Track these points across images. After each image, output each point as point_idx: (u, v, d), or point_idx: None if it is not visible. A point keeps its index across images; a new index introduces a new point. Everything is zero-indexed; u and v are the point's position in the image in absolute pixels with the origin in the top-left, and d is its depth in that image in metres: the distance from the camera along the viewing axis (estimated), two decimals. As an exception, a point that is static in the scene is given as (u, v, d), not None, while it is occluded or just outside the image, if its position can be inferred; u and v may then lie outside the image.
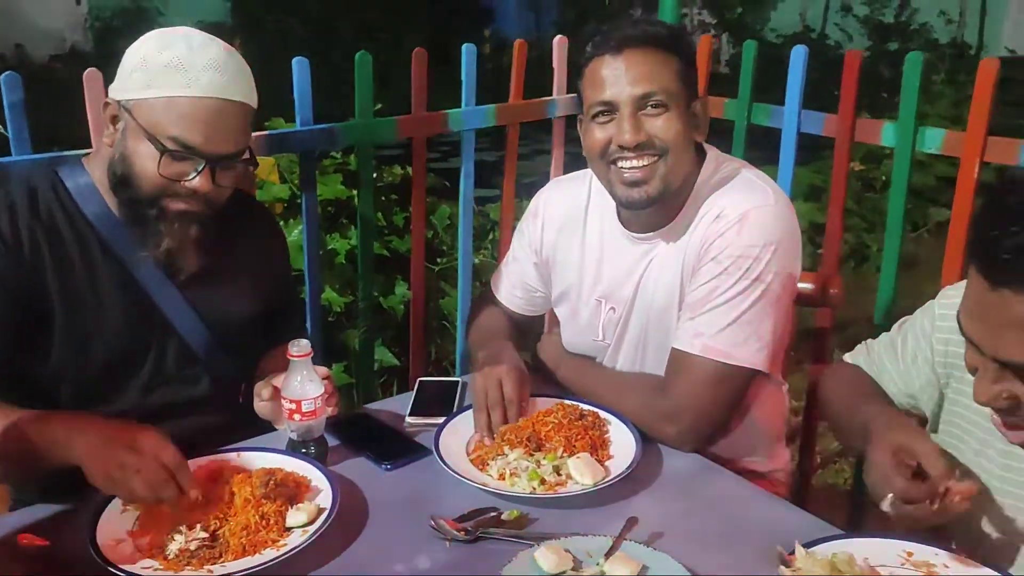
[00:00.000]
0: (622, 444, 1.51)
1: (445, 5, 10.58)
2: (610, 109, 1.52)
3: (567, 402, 1.59)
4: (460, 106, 2.57)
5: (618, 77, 1.50)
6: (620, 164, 1.54)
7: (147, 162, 1.43)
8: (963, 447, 1.30)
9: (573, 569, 1.22)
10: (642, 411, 1.55)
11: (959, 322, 1.07)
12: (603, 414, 1.58)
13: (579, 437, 1.49)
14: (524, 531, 1.32)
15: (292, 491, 1.35)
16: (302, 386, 1.44)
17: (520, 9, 11.25)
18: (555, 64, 2.75)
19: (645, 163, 1.52)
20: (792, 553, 1.22)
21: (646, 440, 1.53)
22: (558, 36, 2.75)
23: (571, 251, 1.72)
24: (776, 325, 1.53)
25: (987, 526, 1.28)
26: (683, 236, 1.57)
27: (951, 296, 1.32)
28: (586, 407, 1.59)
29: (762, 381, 1.68)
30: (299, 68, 2.24)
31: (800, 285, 1.90)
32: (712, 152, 1.62)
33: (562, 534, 1.28)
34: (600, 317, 1.69)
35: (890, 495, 1.15)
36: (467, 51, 2.55)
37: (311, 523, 1.30)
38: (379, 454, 1.51)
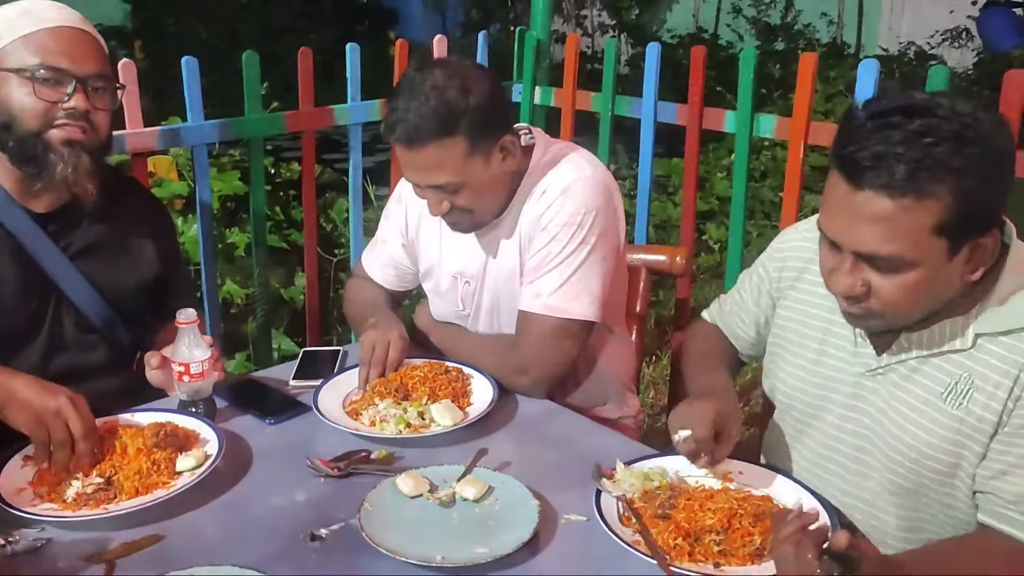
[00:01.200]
0: (482, 394, 1.72)
1: (350, 8, 10.67)
2: (416, 185, 1.71)
3: (433, 360, 1.79)
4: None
5: (412, 168, 1.66)
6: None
7: (23, 98, 1.57)
8: (783, 352, 1.51)
9: (429, 491, 1.42)
10: (498, 367, 1.76)
11: (820, 227, 1.26)
12: (466, 370, 1.78)
13: (442, 388, 1.69)
14: (391, 467, 1.51)
15: (181, 441, 1.51)
16: (189, 351, 1.60)
17: (426, 11, 11.39)
18: (436, 62, 2.95)
19: (455, 220, 1.74)
20: (614, 469, 1.44)
21: (505, 391, 1.75)
22: (438, 36, 2.96)
23: (431, 233, 1.91)
24: (605, 280, 1.75)
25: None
26: (519, 214, 1.77)
27: (787, 234, 1.56)
28: (451, 364, 1.79)
29: (607, 336, 1.91)
30: (188, 67, 2.39)
31: (656, 257, 2.17)
32: (541, 139, 1.81)
33: (424, 467, 1.48)
34: (458, 290, 1.89)
35: (686, 433, 1.37)
36: (351, 50, 2.74)
37: (199, 467, 1.46)
38: (263, 411, 1.68)
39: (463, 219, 1.75)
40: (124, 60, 2.26)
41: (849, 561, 1.05)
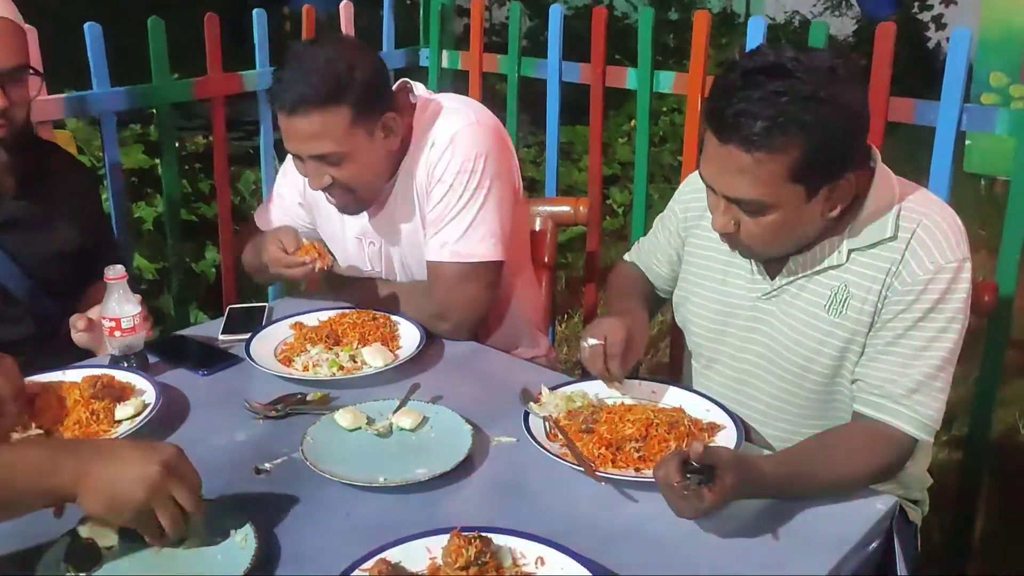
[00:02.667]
0: (410, 338, 1.79)
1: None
2: (298, 156, 1.72)
3: (363, 310, 1.86)
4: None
5: (294, 135, 1.67)
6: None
7: None
8: (690, 284, 1.64)
9: (367, 424, 1.49)
10: (419, 315, 1.84)
11: (700, 173, 1.40)
12: (393, 317, 1.86)
13: (371, 333, 1.77)
14: (327, 406, 1.58)
15: (118, 392, 1.54)
16: (120, 306, 1.63)
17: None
18: (343, 29, 2.98)
19: (341, 201, 1.77)
20: (540, 394, 1.55)
21: (432, 334, 1.83)
22: (344, 2, 2.99)
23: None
24: (504, 219, 1.83)
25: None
26: (411, 169, 1.82)
27: (692, 177, 1.68)
28: (379, 312, 1.86)
29: (515, 279, 2.02)
30: (91, 33, 2.36)
31: (560, 208, 2.28)
32: (422, 97, 1.84)
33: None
34: (365, 251, 1.95)
35: (594, 341, 1.50)
36: (258, 15, 2.75)
37: (138, 416, 1.49)
38: (196, 364, 1.72)
39: (348, 199, 1.79)
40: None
41: (708, 469, 1.19)
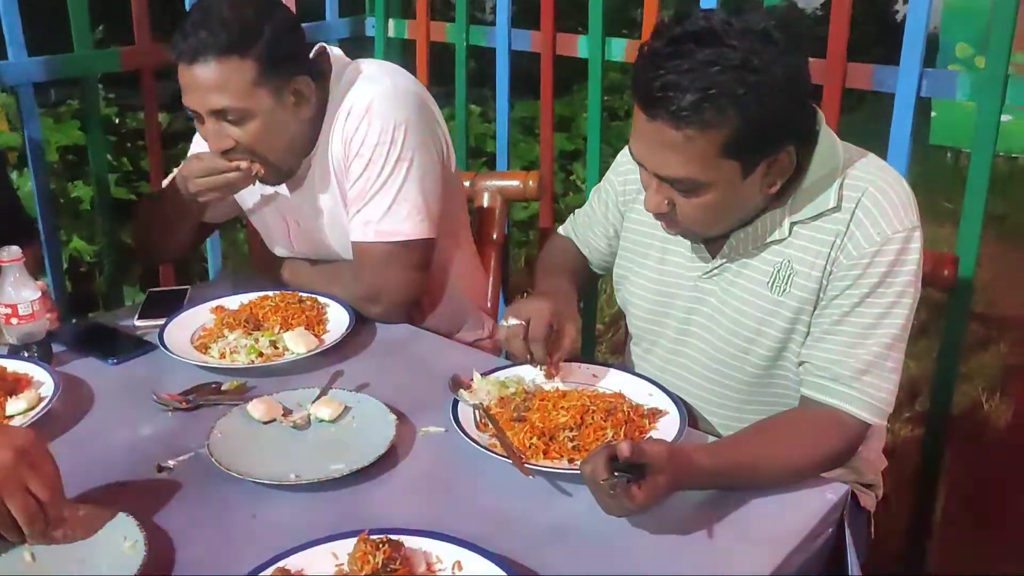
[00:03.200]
0: (338, 321, 1.68)
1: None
2: (198, 115, 1.59)
3: (287, 292, 1.74)
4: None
5: (193, 88, 1.54)
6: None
7: None
8: (629, 263, 1.54)
9: (283, 415, 1.38)
10: (349, 297, 1.72)
11: (631, 150, 1.30)
12: (322, 299, 1.74)
13: (295, 316, 1.65)
14: (244, 396, 1.46)
15: (10, 385, 1.42)
16: (16, 291, 1.50)
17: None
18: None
19: (244, 163, 1.63)
20: (471, 379, 1.44)
21: (364, 317, 1.72)
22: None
23: None
24: (431, 192, 1.70)
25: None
26: (328, 143, 1.69)
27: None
28: (305, 294, 1.74)
29: (453, 256, 1.90)
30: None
31: (509, 183, 2.17)
32: (339, 63, 1.70)
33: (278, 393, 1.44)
34: (288, 231, 1.82)
35: (513, 321, 1.39)
36: (188, -19, 2.58)
37: (32, 410, 1.37)
38: (105, 352, 1.59)
39: (267, 172, 1.65)
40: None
41: (639, 467, 1.10)
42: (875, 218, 1.27)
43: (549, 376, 1.44)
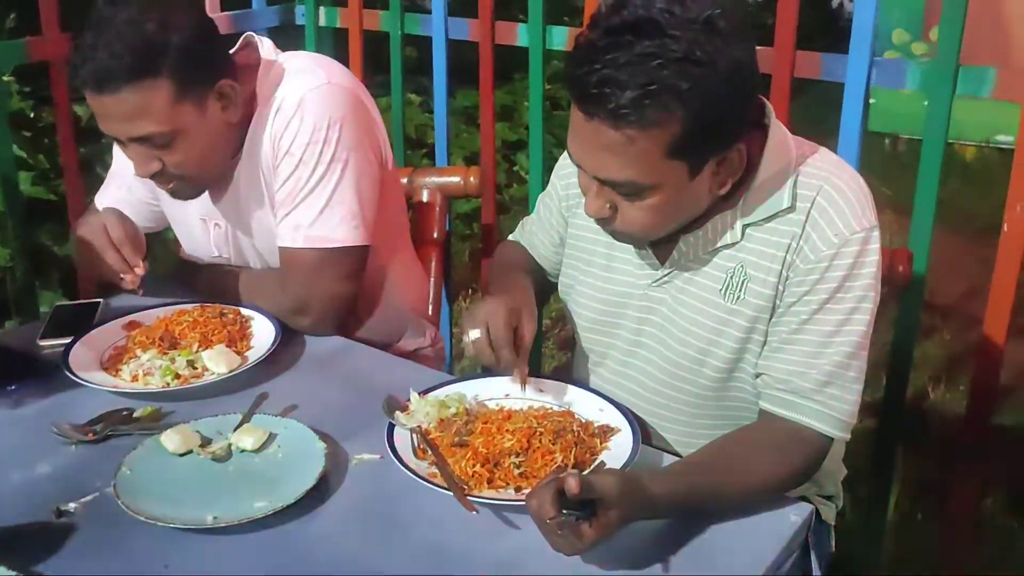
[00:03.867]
0: (263, 335, 1.55)
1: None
2: (119, 140, 1.47)
3: (207, 304, 1.61)
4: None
5: (107, 118, 1.42)
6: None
7: None
8: (575, 271, 1.44)
9: (201, 446, 1.25)
10: (273, 309, 1.59)
11: (568, 151, 1.20)
12: (245, 311, 1.61)
13: (215, 332, 1.52)
14: (158, 424, 1.33)
15: None
16: None
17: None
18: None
19: (172, 185, 1.51)
20: (409, 400, 1.33)
21: (291, 329, 1.59)
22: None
23: None
24: (367, 197, 1.58)
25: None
26: (256, 141, 1.57)
27: None
28: (228, 306, 1.61)
29: (390, 262, 1.78)
30: None
31: (449, 179, 2.06)
32: (268, 55, 1.58)
33: (196, 420, 1.31)
34: (210, 235, 1.69)
35: (476, 334, 1.27)
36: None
37: (-86, 449, 1.23)
38: (1, 377, 1.44)
39: (182, 186, 1.53)
40: None
41: (588, 504, 1.01)
42: (831, 218, 1.19)
43: (523, 382, 1.32)
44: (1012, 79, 1.81)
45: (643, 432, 1.37)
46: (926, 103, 1.88)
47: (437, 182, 2.05)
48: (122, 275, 1.50)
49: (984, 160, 5.57)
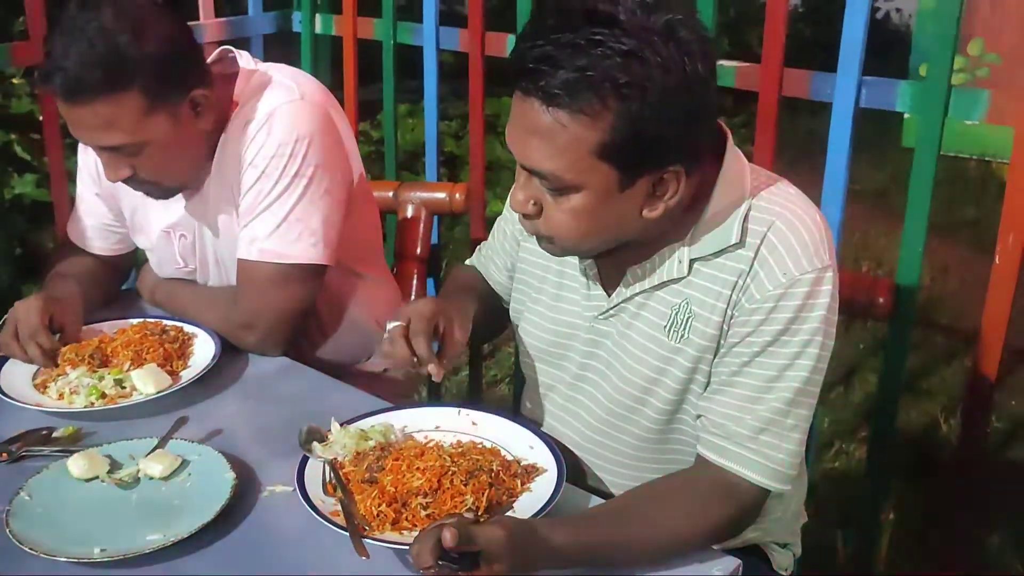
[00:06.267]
0: (204, 354, 1.51)
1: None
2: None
3: (150, 320, 1.57)
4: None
5: (78, 126, 1.40)
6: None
7: None
8: (524, 297, 1.37)
9: (109, 472, 1.21)
10: (221, 324, 1.56)
11: (506, 138, 1.13)
12: (189, 328, 1.57)
13: (151, 350, 1.48)
14: (77, 445, 1.30)
15: None
16: None
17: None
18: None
19: (144, 188, 1.50)
20: (329, 430, 1.28)
21: (236, 348, 1.55)
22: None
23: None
24: (330, 217, 1.55)
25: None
26: (226, 152, 1.54)
27: None
28: (171, 322, 1.58)
29: (357, 282, 1.73)
30: None
31: (434, 195, 2.01)
32: (245, 68, 1.56)
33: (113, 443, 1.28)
34: (175, 245, 1.66)
35: (393, 324, 1.18)
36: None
37: None
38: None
39: (153, 189, 1.52)
40: None
41: (469, 556, 0.95)
42: (781, 256, 1.11)
43: (438, 376, 1.19)
44: (1005, 103, 1.71)
45: (579, 470, 1.31)
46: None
47: (422, 197, 2.01)
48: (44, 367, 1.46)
49: (987, 178, 5.37)
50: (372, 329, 1.79)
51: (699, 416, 1.18)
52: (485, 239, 1.49)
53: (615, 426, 1.26)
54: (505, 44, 2.42)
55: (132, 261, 1.82)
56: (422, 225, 2.02)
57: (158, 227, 1.66)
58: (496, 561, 0.95)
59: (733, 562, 1.10)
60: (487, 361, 3.22)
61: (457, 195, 2.00)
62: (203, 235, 1.63)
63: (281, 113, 1.49)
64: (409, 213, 2.02)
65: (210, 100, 1.49)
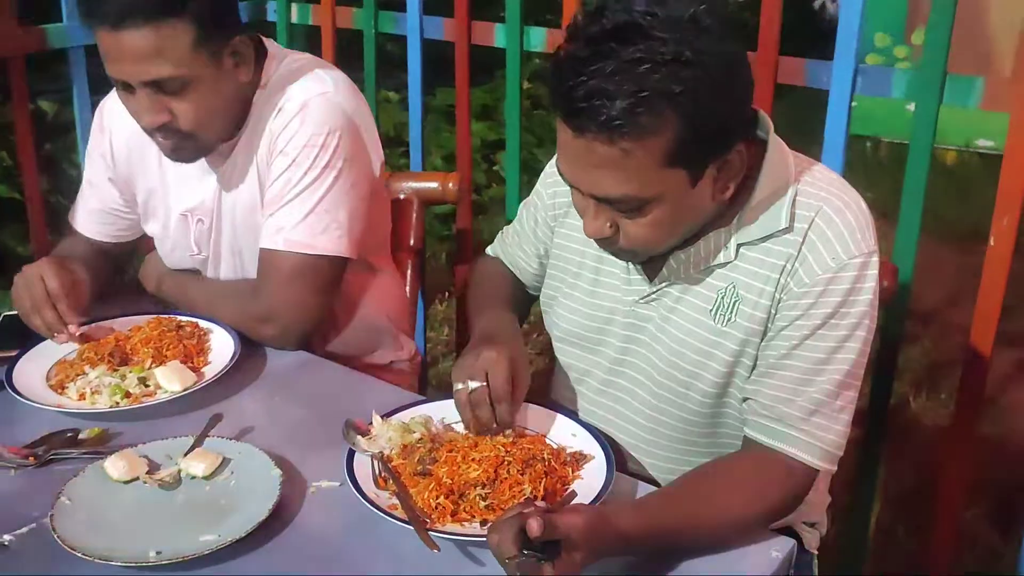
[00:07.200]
0: (222, 350, 1.48)
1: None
2: (127, 86, 1.40)
3: (164, 316, 1.53)
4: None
5: (121, 57, 1.35)
6: (151, 135, 1.46)
7: None
8: (560, 283, 1.37)
9: (148, 472, 1.18)
10: (239, 317, 1.52)
11: (559, 170, 1.14)
12: (204, 323, 1.53)
13: (170, 347, 1.44)
14: (106, 446, 1.26)
15: None
16: None
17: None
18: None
19: (174, 141, 1.45)
20: (371, 423, 1.26)
21: (252, 344, 1.52)
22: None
23: (148, 163, 1.62)
24: (355, 211, 1.54)
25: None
26: (255, 136, 1.53)
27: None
28: (185, 318, 1.53)
29: (366, 274, 1.71)
30: None
31: (426, 184, 1.99)
32: (274, 48, 1.56)
33: (146, 443, 1.24)
34: (191, 231, 1.62)
35: (475, 384, 1.20)
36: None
37: None
38: (-60, 394, 1.36)
39: (185, 144, 1.47)
40: None
41: (552, 543, 0.95)
42: (830, 242, 1.13)
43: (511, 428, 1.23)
44: (1000, 89, 1.76)
45: (620, 456, 1.32)
46: (909, 107, 1.83)
47: (414, 187, 1.98)
48: (55, 334, 1.43)
49: (965, 165, 5.56)
50: (381, 323, 1.77)
51: (746, 399, 1.19)
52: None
53: (660, 409, 1.27)
54: (492, 33, 2.40)
55: (131, 253, 1.78)
56: (415, 216, 2.00)
57: (176, 210, 1.62)
58: (575, 549, 0.95)
59: (789, 542, 1.12)
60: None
61: (450, 184, 1.99)
62: (221, 220, 1.59)
63: (315, 104, 1.48)
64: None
65: (249, 50, 1.47)
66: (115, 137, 1.63)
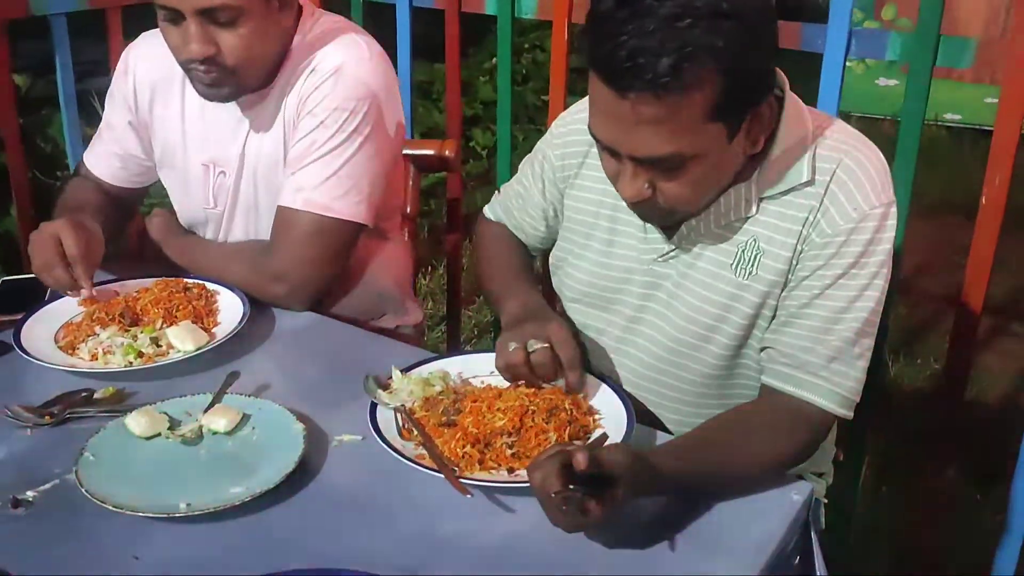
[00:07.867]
0: (230, 311, 1.47)
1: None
2: (176, 17, 1.39)
3: (170, 279, 1.52)
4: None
5: None
6: (192, 69, 1.44)
7: None
8: (571, 245, 1.37)
9: (170, 428, 1.17)
10: (249, 275, 1.51)
11: (592, 132, 1.13)
12: (211, 286, 1.52)
13: (181, 308, 1.43)
14: (121, 405, 1.25)
15: None
16: None
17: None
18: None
19: (216, 75, 1.44)
20: (390, 378, 1.27)
21: (260, 306, 1.51)
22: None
23: (170, 111, 1.60)
24: (376, 179, 1.54)
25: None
26: (284, 92, 1.53)
27: (567, 115, 1.40)
28: (192, 280, 1.52)
29: (377, 241, 1.71)
30: None
31: (423, 151, 1.97)
32: (310, 7, 1.56)
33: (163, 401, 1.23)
34: (210, 183, 1.61)
35: (538, 344, 1.20)
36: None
37: None
38: (-53, 357, 1.34)
39: (226, 80, 1.45)
40: None
41: (593, 479, 0.96)
42: (851, 192, 1.15)
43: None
44: (992, 51, 1.79)
45: (637, 412, 1.33)
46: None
47: (411, 154, 1.97)
48: (68, 292, 1.43)
49: (933, 139, 5.65)
50: (389, 289, 1.77)
51: (765, 348, 1.21)
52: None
53: (677, 364, 1.28)
54: (482, 1, 2.39)
55: (140, 201, 1.78)
56: (411, 182, 1.99)
57: (197, 160, 1.61)
58: (619, 484, 0.96)
59: (808, 486, 1.14)
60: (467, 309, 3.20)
61: (447, 151, 1.98)
62: (243, 173, 1.58)
63: (350, 69, 1.48)
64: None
65: (291, 1, 1.47)
66: (140, 81, 1.61)
